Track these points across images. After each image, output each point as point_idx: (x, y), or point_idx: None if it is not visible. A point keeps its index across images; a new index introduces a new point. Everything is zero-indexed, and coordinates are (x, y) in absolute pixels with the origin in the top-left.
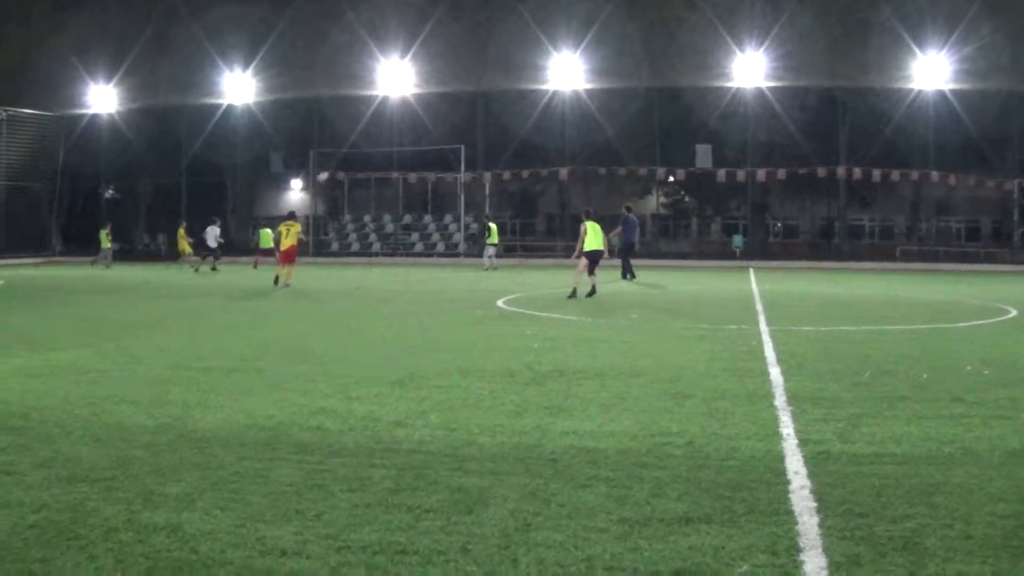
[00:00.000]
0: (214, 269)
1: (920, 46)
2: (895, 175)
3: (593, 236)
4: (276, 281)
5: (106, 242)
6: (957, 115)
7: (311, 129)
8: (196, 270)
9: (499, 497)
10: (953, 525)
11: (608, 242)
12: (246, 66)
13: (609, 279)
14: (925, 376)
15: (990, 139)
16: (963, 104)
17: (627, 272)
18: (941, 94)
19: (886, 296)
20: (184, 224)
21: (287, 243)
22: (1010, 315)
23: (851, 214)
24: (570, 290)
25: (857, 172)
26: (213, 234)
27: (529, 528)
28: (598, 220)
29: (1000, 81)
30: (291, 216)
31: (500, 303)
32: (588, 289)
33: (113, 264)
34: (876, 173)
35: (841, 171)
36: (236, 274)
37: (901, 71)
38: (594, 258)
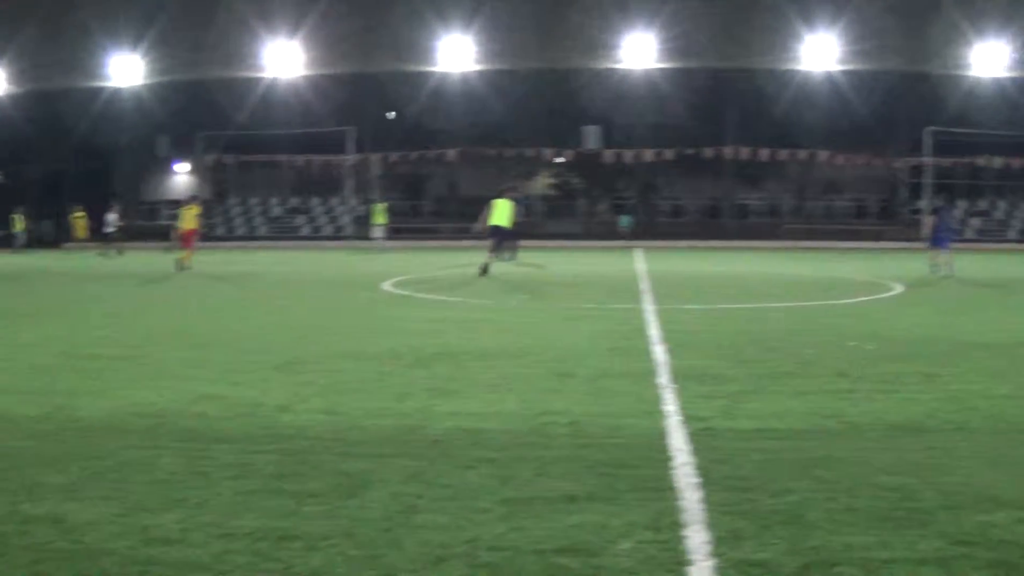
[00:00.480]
0: (120, 253)
1: (809, 26)
2: (783, 155)
3: (497, 213)
4: (178, 265)
5: (19, 225)
6: (846, 95)
7: (199, 111)
8: (103, 255)
9: (383, 480)
10: (837, 498)
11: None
12: (134, 47)
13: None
14: (809, 352)
15: (879, 119)
16: (852, 84)
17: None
18: (830, 74)
19: (772, 274)
20: (81, 209)
21: (185, 226)
22: (895, 291)
23: (738, 194)
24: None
25: (745, 152)
26: (112, 219)
27: (413, 511)
28: (488, 201)
29: (889, 61)
30: (192, 199)
31: (387, 286)
32: (485, 267)
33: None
34: (764, 153)
35: (728, 151)
36: (133, 259)
37: (790, 52)
38: (494, 234)
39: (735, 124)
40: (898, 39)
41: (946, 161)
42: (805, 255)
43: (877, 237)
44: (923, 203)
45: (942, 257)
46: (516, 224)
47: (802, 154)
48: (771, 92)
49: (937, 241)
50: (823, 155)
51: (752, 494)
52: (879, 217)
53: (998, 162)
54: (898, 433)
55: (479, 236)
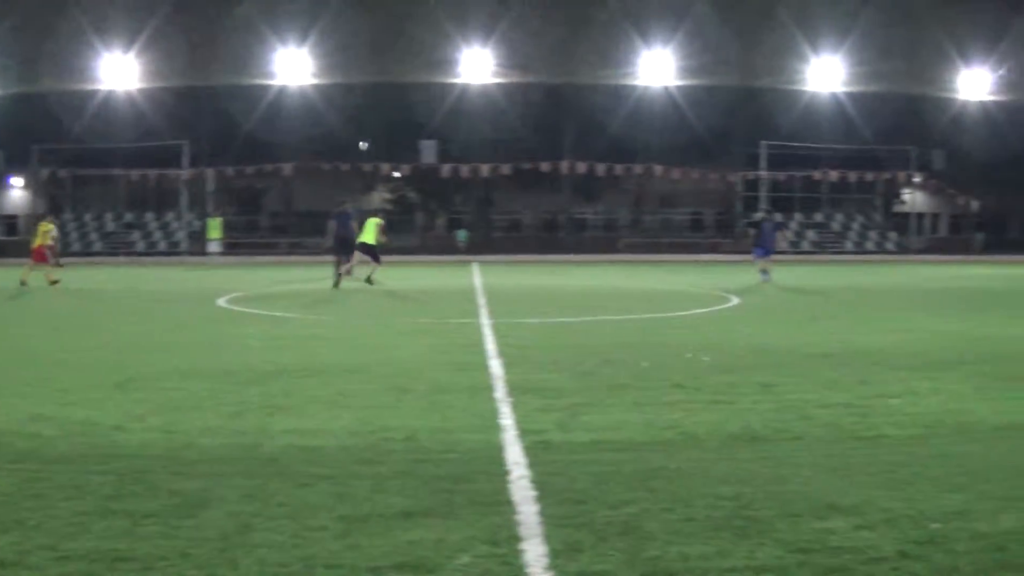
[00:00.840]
0: None
1: (646, 42)
2: (619, 169)
3: (367, 230)
4: (52, 282)
5: None
6: (682, 110)
7: (34, 125)
8: None
9: (219, 499)
10: (674, 508)
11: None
12: None
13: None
14: (645, 364)
15: (715, 133)
16: (688, 99)
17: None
18: (667, 89)
19: (609, 287)
20: None
21: (37, 242)
22: (731, 303)
23: (575, 208)
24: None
25: (581, 166)
26: None
27: (249, 529)
28: (325, 217)
29: (725, 76)
30: (43, 216)
31: (222, 302)
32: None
33: None
34: (600, 167)
35: (565, 166)
36: None
37: (627, 67)
38: (362, 249)
39: (572, 139)
40: (734, 54)
41: (782, 174)
42: (642, 268)
43: (714, 250)
44: (758, 216)
45: (762, 264)
46: (350, 239)
47: (639, 168)
48: (608, 107)
49: (760, 252)
50: (659, 169)
51: (589, 506)
52: (716, 230)
53: (834, 175)
54: (735, 443)
55: (333, 251)
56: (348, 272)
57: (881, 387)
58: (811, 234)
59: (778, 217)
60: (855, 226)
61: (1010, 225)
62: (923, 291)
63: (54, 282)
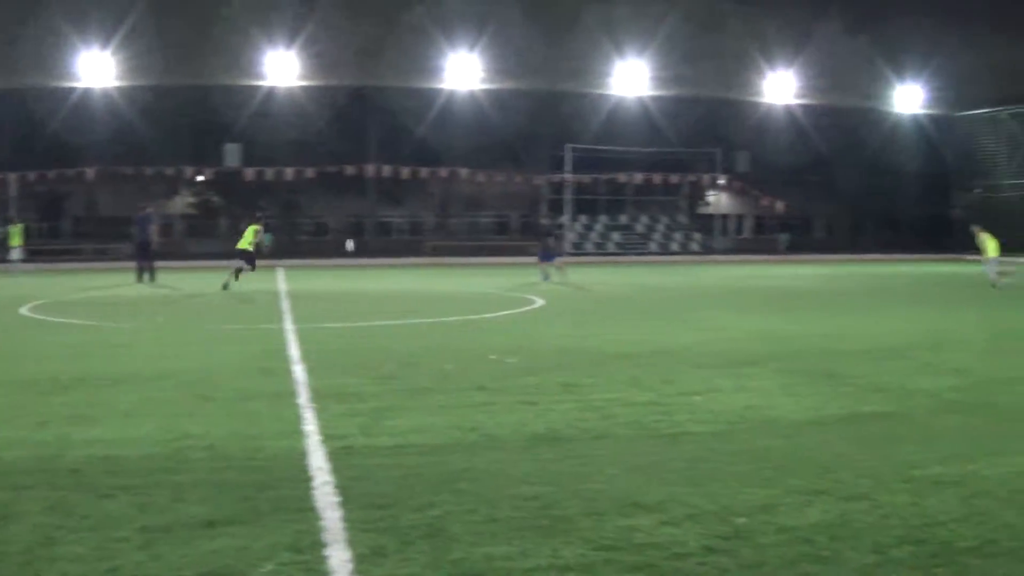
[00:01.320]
0: None
1: (452, 46)
2: (424, 172)
3: (246, 236)
4: None
5: None
6: (488, 113)
7: None
8: None
9: (22, 512)
10: (478, 509)
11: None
12: None
13: (125, 282)
14: (449, 367)
15: (520, 136)
16: (494, 102)
17: (145, 273)
18: (472, 93)
19: (415, 291)
20: None
21: None
22: (536, 305)
23: (381, 211)
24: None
25: (387, 170)
26: None
27: (53, 543)
28: (128, 222)
29: (530, 80)
30: None
31: (24, 310)
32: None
33: None
34: (405, 171)
35: (371, 169)
36: None
37: (434, 71)
38: (241, 256)
39: (378, 142)
40: (539, 59)
41: (587, 177)
42: (448, 271)
43: (519, 252)
44: (564, 218)
45: (547, 268)
46: (148, 242)
47: (444, 171)
48: (414, 110)
49: (546, 256)
50: (465, 172)
51: (393, 510)
52: (521, 232)
53: (639, 178)
54: (539, 443)
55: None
56: (152, 278)
57: (685, 385)
58: (616, 236)
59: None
60: (660, 228)
61: (814, 226)
62: (727, 290)
63: None
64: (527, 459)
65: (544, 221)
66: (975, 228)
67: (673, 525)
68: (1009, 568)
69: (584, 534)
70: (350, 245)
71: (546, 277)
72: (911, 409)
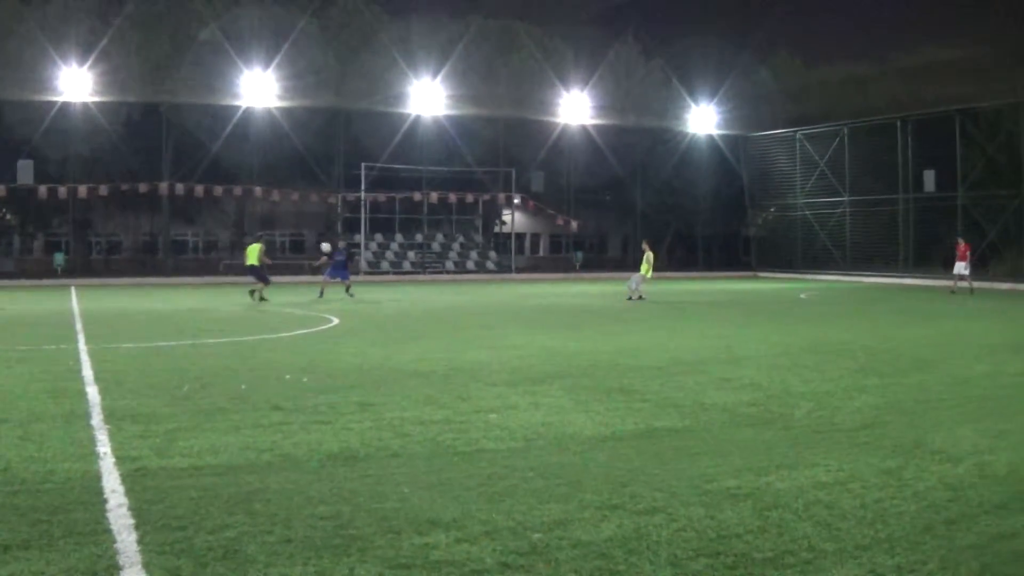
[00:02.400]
0: None
1: (247, 63)
2: (218, 190)
3: (250, 254)
4: None
5: None
6: (283, 131)
7: None
8: None
9: None
10: (273, 530)
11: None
12: None
13: None
14: (243, 387)
15: (316, 155)
16: (290, 120)
17: None
18: (269, 110)
19: (210, 310)
20: None
21: None
22: (332, 324)
23: (175, 229)
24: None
25: (180, 188)
26: None
27: None
28: None
29: (327, 98)
30: None
31: None
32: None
33: None
34: (199, 188)
35: (164, 187)
36: None
37: (229, 88)
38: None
39: (171, 159)
40: (335, 76)
41: (382, 196)
42: (243, 290)
43: (316, 272)
44: (359, 237)
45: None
46: None
47: (238, 189)
48: (209, 127)
49: (334, 273)
50: (259, 190)
51: (188, 532)
52: (316, 251)
53: (434, 196)
54: (334, 463)
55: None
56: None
57: (480, 402)
58: (411, 254)
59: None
60: (456, 246)
61: (609, 244)
62: (522, 308)
63: None
64: (322, 478)
65: (340, 242)
66: (645, 244)
67: (469, 542)
68: None
69: (380, 552)
70: (59, 259)
71: (321, 294)
72: (706, 423)
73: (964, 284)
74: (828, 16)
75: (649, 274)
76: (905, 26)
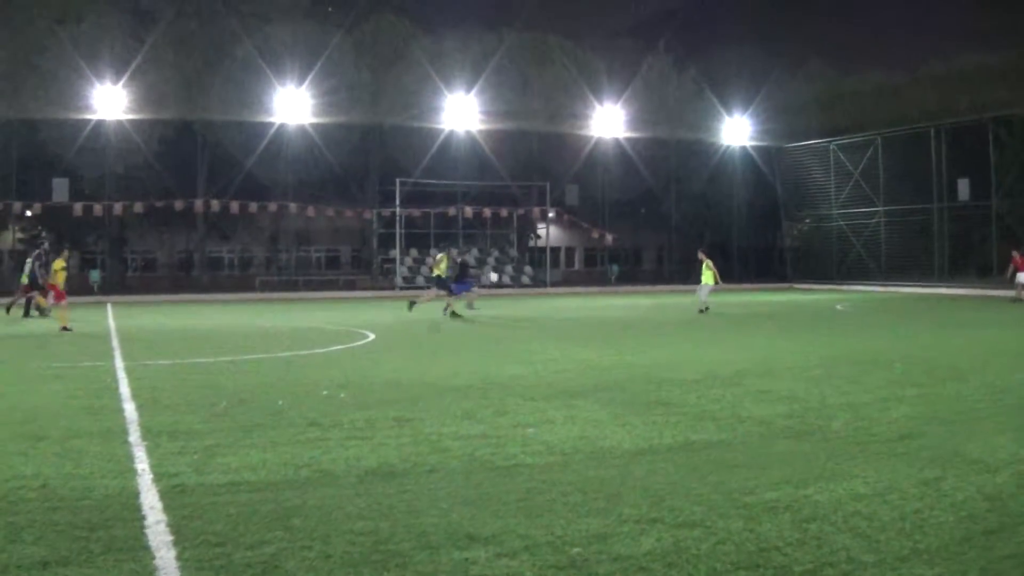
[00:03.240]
0: None
1: (281, 80)
2: (253, 207)
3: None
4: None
5: None
6: (317, 147)
7: None
8: None
9: None
10: (312, 546)
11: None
12: None
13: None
14: (281, 403)
15: (350, 171)
16: (324, 137)
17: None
18: (302, 127)
19: (246, 326)
20: None
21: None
22: (368, 339)
23: (210, 246)
24: None
25: (215, 204)
26: None
27: None
28: None
29: (361, 114)
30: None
31: None
32: None
33: None
34: (235, 205)
35: (199, 204)
36: None
37: (262, 104)
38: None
39: (206, 176)
40: (368, 93)
41: (417, 211)
42: (279, 306)
43: (351, 287)
44: (395, 252)
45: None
46: None
47: (273, 206)
48: (244, 143)
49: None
50: (294, 207)
51: (227, 548)
52: (352, 267)
53: (468, 211)
54: (372, 478)
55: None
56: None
57: (517, 417)
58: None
59: (459, 253)
60: (491, 261)
61: (644, 257)
62: (558, 322)
63: None
64: (360, 494)
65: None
66: (701, 253)
67: (508, 557)
68: None
69: (419, 568)
70: (95, 276)
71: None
72: (743, 436)
73: None
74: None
75: (714, 281)
76: (938, 33)
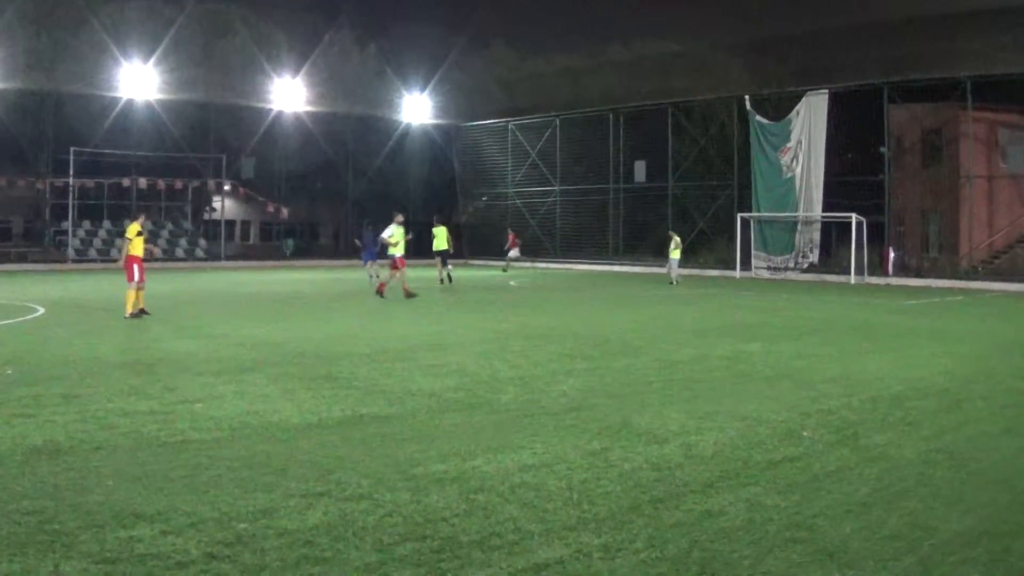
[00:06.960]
0: None
1: None
2: None
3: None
4: None
5: None
6: None
7: None
8: None
9: None
10: None
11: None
12: None
13: None
14: None
15: (25, 139)
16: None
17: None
18: None
19: None
20: None
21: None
22: (37, 313)
23: None
24: None
25: None
26: None
27: None
28: None
29: (36, 81)
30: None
31: None
32: None
33: None
34: None
35: None
36: None
37: None
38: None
39: None
40: (45, 60)
41: (91, 182)
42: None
43: (22, 259)
44: (67, 224)
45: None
46: None
47: None
48: None
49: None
50: None
51: None
52: (24, 239)
53: (143, 182)
54: (37, 456)
55: None
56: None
57: (186, 392)
58: (119, 241)
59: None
60: (164, 233)
61: (321, 232)
62: (231, 296)
63: None
64: (26, 473)
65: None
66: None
67: (175, 534)
68: (510, 561)
69: (85, 548)
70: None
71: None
72: (412, 410)
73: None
74: (546, 9)
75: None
76: (621, 20)
